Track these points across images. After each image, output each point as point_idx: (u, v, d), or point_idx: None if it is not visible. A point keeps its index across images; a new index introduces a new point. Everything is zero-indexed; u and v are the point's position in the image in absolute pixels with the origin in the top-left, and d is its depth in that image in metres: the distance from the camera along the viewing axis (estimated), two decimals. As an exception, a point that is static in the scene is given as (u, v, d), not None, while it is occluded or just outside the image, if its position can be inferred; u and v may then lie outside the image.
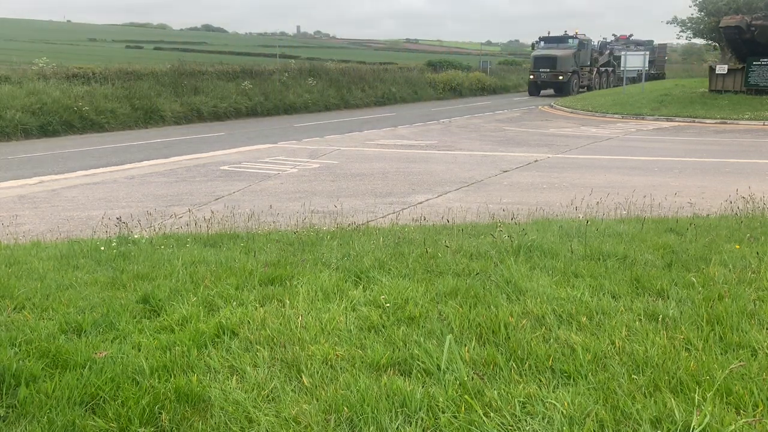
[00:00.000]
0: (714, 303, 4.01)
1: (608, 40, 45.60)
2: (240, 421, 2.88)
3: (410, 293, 4.35)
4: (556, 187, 10.26)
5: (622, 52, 39.78)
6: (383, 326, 3.85)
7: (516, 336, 3.62)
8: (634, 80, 40.20)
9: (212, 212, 7.75)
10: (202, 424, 2.87)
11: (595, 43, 42.81)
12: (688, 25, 42.10)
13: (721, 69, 27.36)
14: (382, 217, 8.19)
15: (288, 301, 4.25)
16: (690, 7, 39.66)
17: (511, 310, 4.02)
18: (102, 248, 5.85)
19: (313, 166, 12.84)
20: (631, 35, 46.73)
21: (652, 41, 47.52)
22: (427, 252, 5.37)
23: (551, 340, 3.61)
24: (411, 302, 4.18)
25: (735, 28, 25.62)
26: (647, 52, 33.31)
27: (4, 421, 2.91)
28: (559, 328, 3.75)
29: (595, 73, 41.55)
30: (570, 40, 39.49)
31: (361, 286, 4.62)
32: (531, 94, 39.23)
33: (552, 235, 6.11)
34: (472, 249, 5.56)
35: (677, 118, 22.35)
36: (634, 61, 30.75)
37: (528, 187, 10.30)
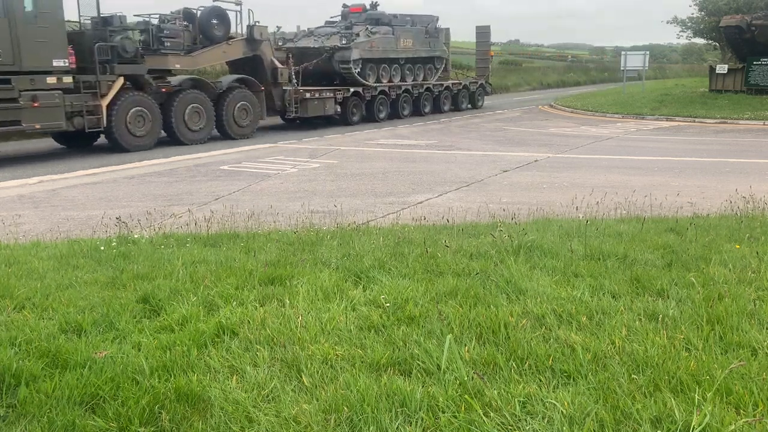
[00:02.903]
0: (714, 303, 4.01)
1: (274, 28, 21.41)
2: (240, 421, 2.88)
3: (410, 293, 4.34)
4: (557, 186, 10.26)
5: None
6: (383, 326, 3.85)
7: (516, 336, 3.62)
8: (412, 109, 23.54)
9: (212, 212, 7.76)
10: (202, 423, 2.87)
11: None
12: (688, 24, 42.25)
13: (721, 69, 27.40)
14: (382, 217, 8.18)
15: (288, 301, 4.25)
16: (690, 6, 38.50)
17: (511, 309, 4.02)
18: (102, 248, 5.85)
19: (313, 166, 12.84)
20: (375, 3, 24.12)
21: (434, 18, 25.45)
22: (427, 252, 5.37)
23: (551, 339, 3.61)
24: (411, 302, 4.18)
25: (735, 28, 25.67)
26: (646, 53, 32.85)
27: (4, 420, 2.91)
28: (559, 327, 3.75)
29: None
30: None
31: (361, 286, 4.62)
32: None
33: (552, 234, 6.11)
34: (472, 249, 5.56)
35: (677, 118, 22.34)
36: (634, 61, 30.70)
37: (528, 187, 10.30)
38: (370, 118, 22.37)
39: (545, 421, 2.78)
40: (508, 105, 31.10)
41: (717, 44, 41.81)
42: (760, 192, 8.54)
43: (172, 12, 17.35)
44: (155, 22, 16.47)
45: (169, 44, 16.28)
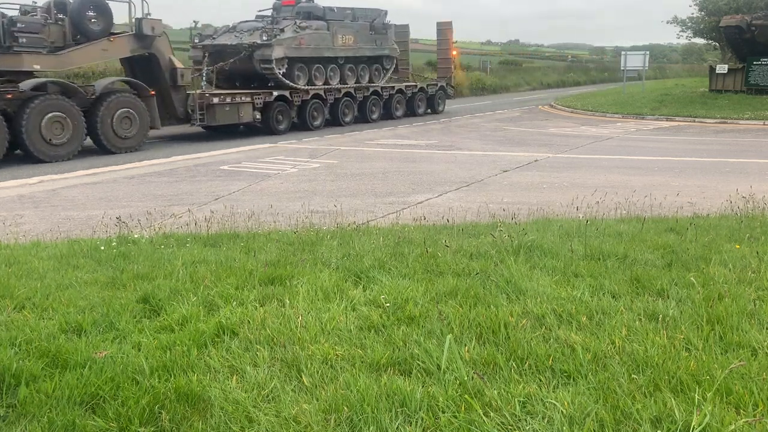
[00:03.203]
0: (714, 303, 4.01)
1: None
2: (240, 421, 2.88)
3: (410, 293, 4.35)
4: (557, 186, 10.26)
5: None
6: (383, 326, 3.85)
7: (516, 336, 3.62)
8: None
9: (212, 212, 7.76)
10: (202, 423, 2.87)
11: None
12: (689, 24, 42.23)
13: (722, 69, 27.41)
14: (382, 217, 8.18)
15: (288, 301, 4.26)
16: (690, 6, 38.11)
17: (511, 309, 4.02)
18: (102, 248, 5.85)
19: (313, 166, 12.84)
20: None
21: (381, 12, 22.34)
22: (427, 252, 5.37)
23: (551, 339, 3.61)
24: (411, 302, 4.18)
25: (735, 28, 25.69)
26: (646, 53, 32.80)
27: (4, 420, 2.91)
28: (559, 327, 3.75)
29: None
30: None
31: (361, 286, 4.62)
32: None
33: (552, 234, 6.11)
34: (472, 249, 5.56)
35: (677, 118, 22.34)
36: (634, 61, 30.71)
37: (528, 187, 10.30)
38: (302, 125, 19.54)
39: (545, 421, 2.78)
40: (508, 105, 31.12)
41: (717, 44, 41.81)
42: (760, 192, 8.54)
43: (37, 2, 14.42)
44: (12, 13, 13.72)
45: (25, 40, 13.36)
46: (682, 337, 3.58)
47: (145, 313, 4.20)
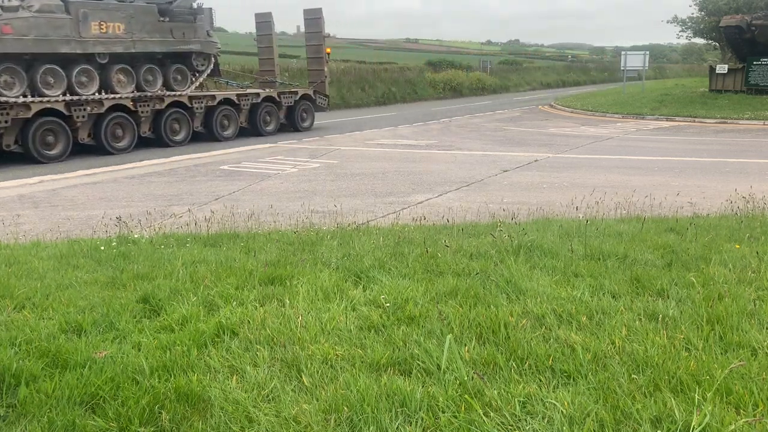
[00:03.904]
0: (714, 303, 4.01)
1: None
2: (240, 421, 2.88)
3: (410, 293, 4.34)
4: (556, 186, 10.26)
5: None
6: (383, 326, 3.85)
7: (516, 336, 3.62)
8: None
9: (212, 212, 7.76)
10: (202, 423, 2.87)
11: None
12: (689, 24, 42.22)
13: (721, 69, 27.42)
14: (382, 217, 8.18)
15: (288, 301, 4.25)
16: (690, 6, 37.96)
17: (511, 309, 4.02)
18: (102, 248, 5.85)
19: (313, 166, 12.85)
20: None
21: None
22: (427, 252, 5.37)
23: (551, 339, 3.61)
24: (411, 302, 4.18)
25: (735, 28, 25.71)
26: (646, 53, 32.81)
27: (4, 420, 2.91)
28: (559, 327, 3.75)
29: None
30: None
31: (361, 286, 4.62)
32: None
33: (552, 234, 6.11)
34: (472, 249, 5.56)
35: (677, 118, 22.35)
36: (634, 61, 30.72)
37: (528, 187, 10.30)
38: (27, 156, 13.25)
39: (545, 421, 2.78)
40: (508, 105, 31.12)
41: (717, 44, 41.80)
42: (760, 192, 8.54)
43: None
44: None
45: None
46: (682, 337, 3.58)
47: (145, 313, 4.20)
